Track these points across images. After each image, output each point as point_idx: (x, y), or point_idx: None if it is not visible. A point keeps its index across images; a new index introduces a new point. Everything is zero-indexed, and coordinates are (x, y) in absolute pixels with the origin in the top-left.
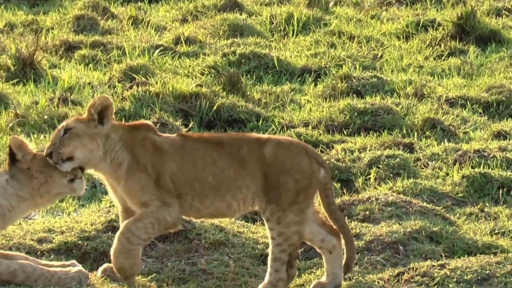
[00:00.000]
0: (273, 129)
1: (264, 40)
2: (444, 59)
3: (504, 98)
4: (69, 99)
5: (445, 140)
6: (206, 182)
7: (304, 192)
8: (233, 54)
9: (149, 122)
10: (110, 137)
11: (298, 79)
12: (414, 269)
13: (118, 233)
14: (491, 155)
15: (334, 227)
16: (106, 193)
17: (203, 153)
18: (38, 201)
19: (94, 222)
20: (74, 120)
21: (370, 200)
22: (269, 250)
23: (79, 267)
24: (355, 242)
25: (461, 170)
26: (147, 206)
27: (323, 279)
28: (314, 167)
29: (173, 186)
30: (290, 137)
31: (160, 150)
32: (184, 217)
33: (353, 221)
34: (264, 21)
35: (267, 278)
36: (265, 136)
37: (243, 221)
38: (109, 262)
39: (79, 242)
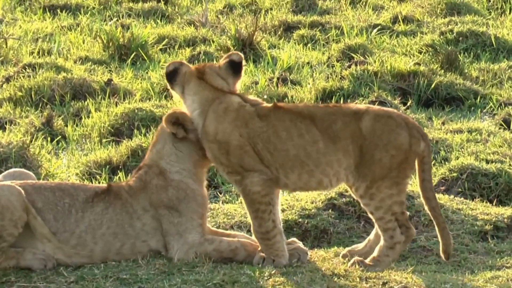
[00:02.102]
0: (490, 107)
1: (481, 18)
2: None
3: None
4: (288, 78)
5: None
6: (290, 155)
7: (399, 167)
8: (450, 33)
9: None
10: (188, 96)
11: None
12: None
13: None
14: None
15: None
16: None
17: (289, 124)
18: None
19: (314, 200)
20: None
21: None
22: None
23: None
24: None
25: None
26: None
27: (359, 246)
28: (412, 141)
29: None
30: (508, 114)
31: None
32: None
33: None
34: None
35: (382, 242)
36: (363, 107)
37: (462, 198)
38: (329, 240)
39: (300, 220)
